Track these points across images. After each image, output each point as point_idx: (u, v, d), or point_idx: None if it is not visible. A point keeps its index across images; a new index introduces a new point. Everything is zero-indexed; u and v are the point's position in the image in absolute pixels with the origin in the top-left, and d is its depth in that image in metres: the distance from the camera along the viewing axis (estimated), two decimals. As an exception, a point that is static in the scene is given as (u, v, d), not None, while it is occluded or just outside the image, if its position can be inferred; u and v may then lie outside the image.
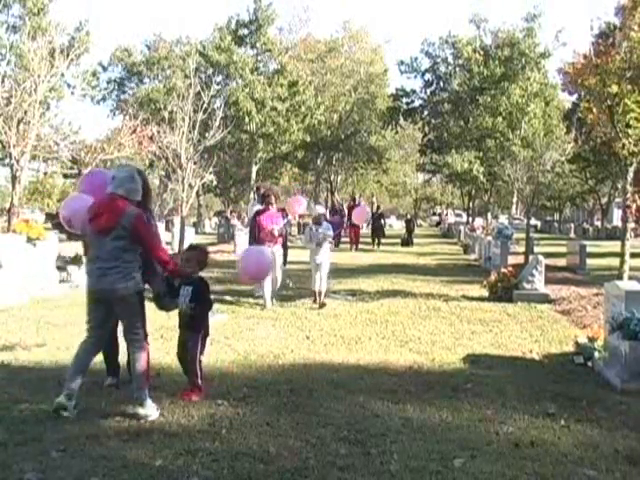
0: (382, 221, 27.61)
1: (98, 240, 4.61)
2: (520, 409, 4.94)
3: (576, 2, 66.86)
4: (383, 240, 26.27)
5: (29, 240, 11.20)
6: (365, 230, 29.43)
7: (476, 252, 20.75)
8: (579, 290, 11.59)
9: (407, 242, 27.74)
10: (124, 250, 4.58)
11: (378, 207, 30.85)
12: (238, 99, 31.86)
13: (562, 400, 5.19)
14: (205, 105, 19.09)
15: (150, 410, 4.64)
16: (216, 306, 9.78)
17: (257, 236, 9.86)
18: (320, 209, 9.80)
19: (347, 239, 24.59)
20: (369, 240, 25.93)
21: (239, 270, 7.44)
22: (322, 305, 9.87)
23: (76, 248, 12.25)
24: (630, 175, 11.09)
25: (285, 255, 10.55)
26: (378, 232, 25.96)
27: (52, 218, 30.93)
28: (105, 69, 45.13)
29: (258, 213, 10.23)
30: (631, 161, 10.87)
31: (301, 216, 22.08)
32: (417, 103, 38.59)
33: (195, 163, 19.21)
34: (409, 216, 34.19)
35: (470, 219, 37.16)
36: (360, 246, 23.98)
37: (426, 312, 9.68)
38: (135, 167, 5.67)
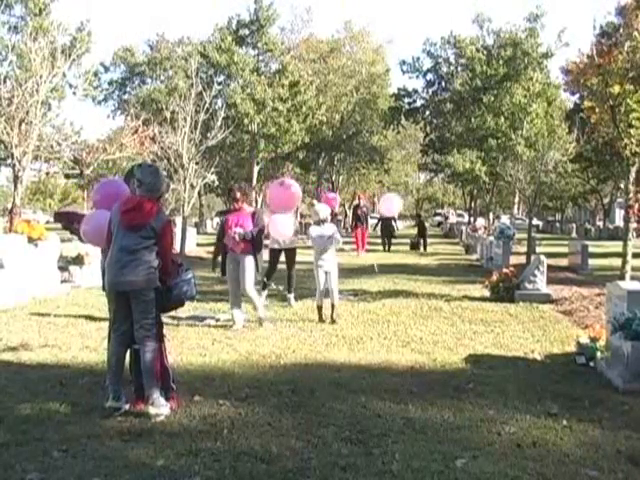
0: (393, 222, 24.68)
1: (126, 233, 4.77)
2: (522, 409, 4.93)
3: (579, 2, 66.71)
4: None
5: (31, 240, 11.21)
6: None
7: (478, 252, 20.73)
8: (581, 290, 11.57)
9: (417, 245, 25.12)
10: (146, 247, 4.76)
11: None
12: (236, 101, 31.83)
13: (564, 400, 5.18)
14: (207, 105, 19.12)
15: (162, 409, 4.65)
16: (218, 306, 9.87)
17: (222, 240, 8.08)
18: (324, 211, 8.83)
19: (352, 240, 22.96)
20: (377, 241, 24.57)
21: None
22: (333, 321, 8.50)
23: (78, 248, 12.29)
24: (632, 175, 11.04)
25: (257, 263, 8.10)
26: (388, 233, 23.94)
27: (61, 219, 30.04)
28: (107, 69, 45.28)
29: (225, 213, 8.18)
30: (633, 161, 10.84)
31: (303, 216, 21.55)
32: (419, 103, 38.55)
33: (197, 163, 19.23)
34: (420, 216, 30.01)
35: (472, 219, 37.12)
36: (367, 247, 22.48)
37: (428, 312, 9.67)
38: (155, 166, 5.81)
